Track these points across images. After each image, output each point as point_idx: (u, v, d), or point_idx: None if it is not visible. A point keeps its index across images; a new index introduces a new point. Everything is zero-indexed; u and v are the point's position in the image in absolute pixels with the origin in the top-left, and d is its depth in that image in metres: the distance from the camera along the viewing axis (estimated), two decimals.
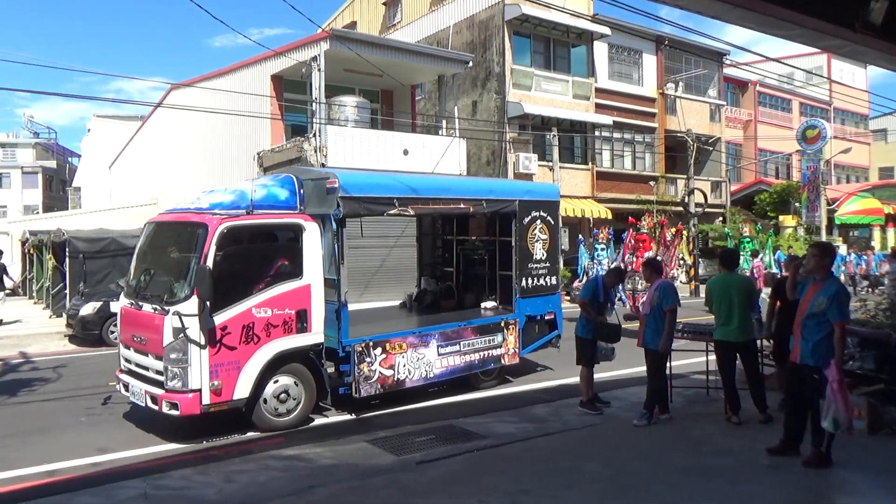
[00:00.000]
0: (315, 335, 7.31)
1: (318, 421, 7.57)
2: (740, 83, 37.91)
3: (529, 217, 9.12)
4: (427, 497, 5.01)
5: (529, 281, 9.14)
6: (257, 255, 7.45)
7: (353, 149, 19.27)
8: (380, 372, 7.60)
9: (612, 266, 9.95)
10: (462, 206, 8.52)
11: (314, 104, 19.49)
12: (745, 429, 6.58)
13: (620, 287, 12.40)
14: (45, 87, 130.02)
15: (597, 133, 27.48)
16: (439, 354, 8.14)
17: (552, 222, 9.47)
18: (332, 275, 7.62)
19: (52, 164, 58.67)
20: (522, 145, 24.76)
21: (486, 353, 8.61)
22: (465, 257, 10.75)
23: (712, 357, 7.30)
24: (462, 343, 8.38)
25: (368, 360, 7.50)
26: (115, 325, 12.96)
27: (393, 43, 22.47)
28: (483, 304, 9.53)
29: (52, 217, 31.04)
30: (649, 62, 29.44)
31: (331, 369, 7.54)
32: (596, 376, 7.64)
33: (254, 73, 22.04)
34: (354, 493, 5.12)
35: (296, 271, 7.23)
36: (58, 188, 56.89)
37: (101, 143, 40.18)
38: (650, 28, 28.48)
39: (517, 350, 8.95)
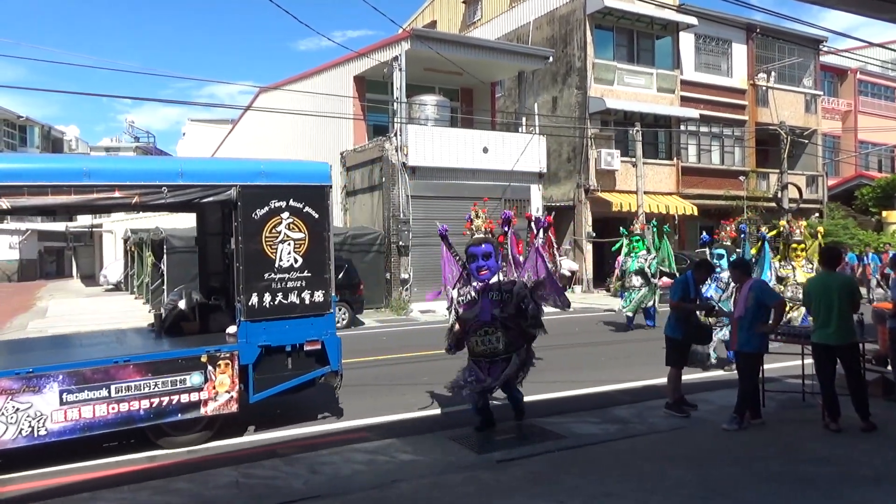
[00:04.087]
0: None
1: None
2: (839, 71, 35.81)
3: (267, 209, 6.72)
4: (507, 496, 5.00)
5: (268, 297, 6.71)
6: None
7: (434, 147, 19.45)
8: None
9: (700, 259, 9.17)
10: (118, 194, 6.15)
11: (395, 104, 19.79)
12: (844, 437, 6.21)
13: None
14: (144, 93, 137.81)
15: (682, 127, 26.63)
16: (64, 403, 5.89)
17: (315, 216, 6.93)
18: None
19: None
20: (604, 141, 24.30)
21: (166, 399, 6.27)
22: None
23: (809, 360, 6.95)
24: (115, 386, 6.07)
25: None
26: None
27: (473, 41, 22.53)
28: (228, 329, 7.16)
29: (150, 216, 32.82)
30: (739, 52, 28.25)
31: None
32: (683, 378, 7.40)
33: (337, 74, 22.59)
34: (436, 488, 5.17)
35: None
36: None
37: (195, 145, 42.25)
38: (740, 16, 27.29)
39: (236, 394, 6.56)
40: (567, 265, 23.77)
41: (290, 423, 7.31)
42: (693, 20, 25.21)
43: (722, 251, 10.02)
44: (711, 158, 27.81)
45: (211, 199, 6.59)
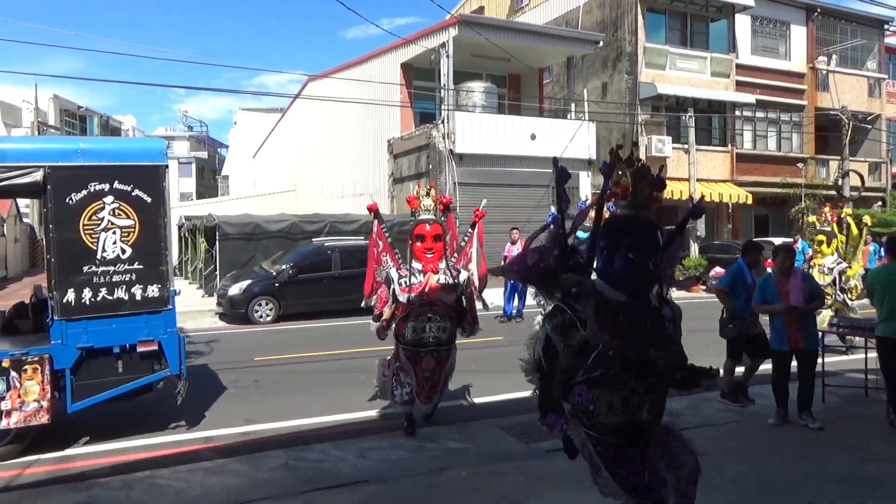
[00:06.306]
0: None
1: None
2: None
3: (85, 192, 5.87)
4: (555, 487, 4.94)
5: (88, 293, 5.90)
6: None
7: (481, 134, 19.33)
8: None
9: (748, 241, 8.24)
10: None
11: (442, 91, 19.72)
12: None
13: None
14: (197, 83, 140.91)
15: (737, 112, 25.85)
16: None
17: (147, 200, 6.06)
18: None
19: (204, 154, 63.68)
20: (655, 127, 23.77)
21: None
22: None
23: (872, 354, 6.66)
24: None
25: None
26: (260, 305, 13.90)
27: (521, 26, 22.28)
28: None
29: (203, 203, 33.65)
30: (798, 34, 27.22)
31: None
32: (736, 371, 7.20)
33: (384, 62, 22.61)
34: (483, 477, 5.15)
35: None
36: (209, 177, 61.63)
37: (245, 134, 43.01)
38: None
39: (47, 403, 5.74)
40: None
41: (332, 412, 7.38)
42: (750, 1, 24.39)
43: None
44: (768, 145, 26.94)
45: (10, 182, 5.74)
